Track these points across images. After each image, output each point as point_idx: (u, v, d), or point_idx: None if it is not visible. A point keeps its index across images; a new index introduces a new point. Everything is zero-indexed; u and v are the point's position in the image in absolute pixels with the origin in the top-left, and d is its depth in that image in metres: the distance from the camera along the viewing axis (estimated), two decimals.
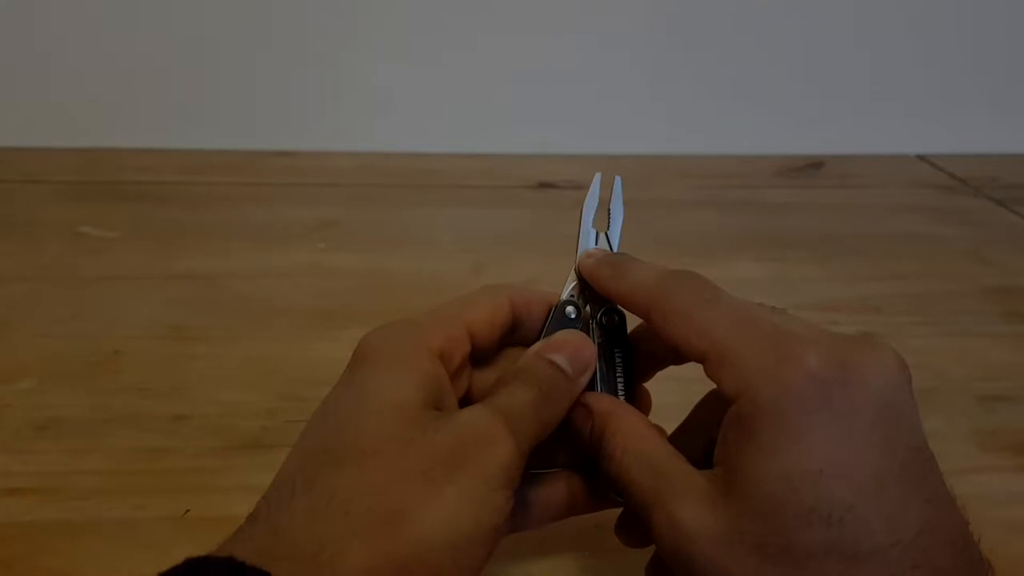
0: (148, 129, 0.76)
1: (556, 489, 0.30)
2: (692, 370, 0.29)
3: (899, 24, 0.82)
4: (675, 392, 0.31)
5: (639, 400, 0.31)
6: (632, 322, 0.31)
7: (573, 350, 0.28)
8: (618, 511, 0.30)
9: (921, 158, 0.85)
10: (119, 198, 0.67)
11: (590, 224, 0.32)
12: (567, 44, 0.78)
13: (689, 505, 0.24)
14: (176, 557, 0.21)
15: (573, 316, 0.30)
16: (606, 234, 0.32)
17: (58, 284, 0.54)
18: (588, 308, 0.31)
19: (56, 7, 0.72)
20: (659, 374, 0.32)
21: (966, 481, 0.25)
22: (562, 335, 0.29)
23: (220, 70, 0.76)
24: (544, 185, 0.74)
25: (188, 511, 0.35)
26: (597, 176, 0.32)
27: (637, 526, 0.28)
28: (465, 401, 0.29)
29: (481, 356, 0.30)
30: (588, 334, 0.30)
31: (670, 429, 0.31)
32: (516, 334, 0.31)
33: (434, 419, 0.25)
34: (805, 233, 0.67)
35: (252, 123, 0.78)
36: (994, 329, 0.53)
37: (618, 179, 0.32)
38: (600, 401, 0.29)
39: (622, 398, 0.30)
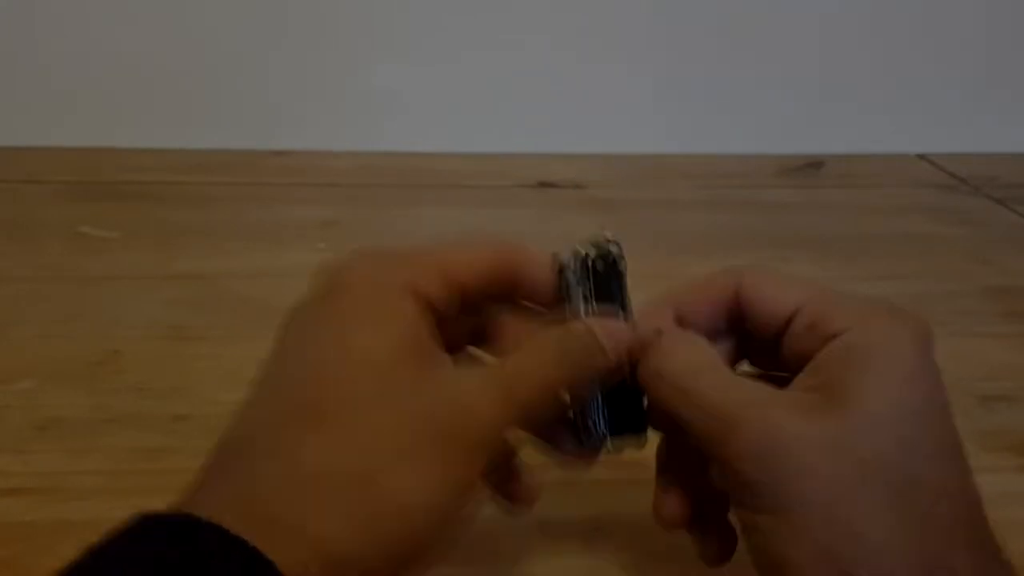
0: (148, 129, 0.76)
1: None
2: None
3: (899, 24, 0.82)
4: None
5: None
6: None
7: (614, 330, 0.27)
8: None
9: (921, 158, 0.85)
10: (119, 198, 0.67)
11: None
12: (567, 44, 0.78)
13: (788, 413, 0.24)
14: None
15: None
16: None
17: (58, 284, 0.54)
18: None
19: (56, 7, 0.72)
20: None
21: None
22: (611, 322, 0.27)
23: (220, 70, 0.76)
24: (544, 185, 0.74)
25: None
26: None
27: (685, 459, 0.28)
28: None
29: (466, 307, 0.28)
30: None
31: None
32: (502, 293, 0.29)
33: (412, 375, 0.24)
34: (805, 233, 0.67)
35: (252, 123, 0.78)
36: (994, 329, 0.53)
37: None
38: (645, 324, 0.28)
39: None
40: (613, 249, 0.28)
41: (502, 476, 0.28)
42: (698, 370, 0.26)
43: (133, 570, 0.20)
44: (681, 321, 0.28)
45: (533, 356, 0.26)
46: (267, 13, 0.74)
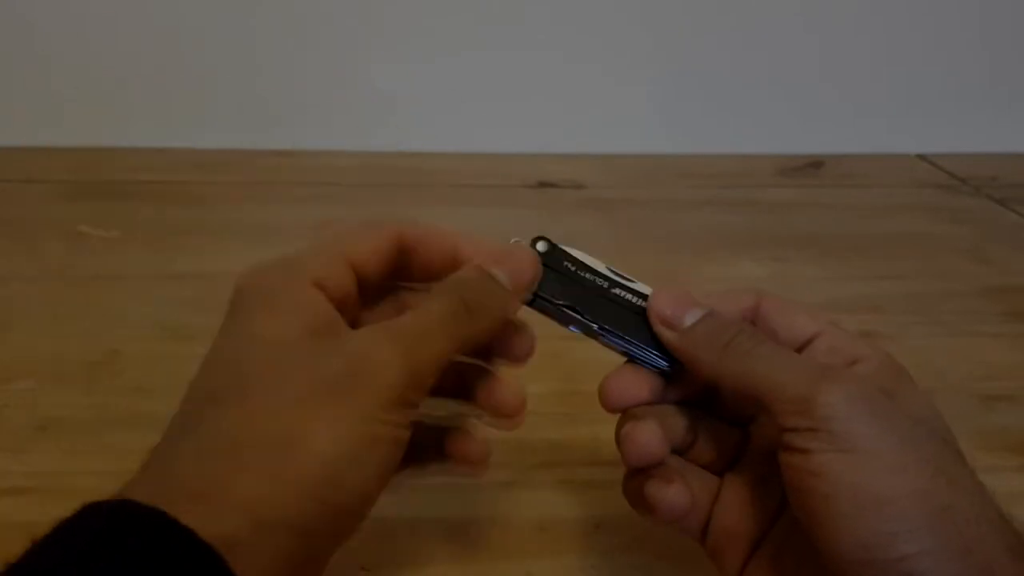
0: (148, 129, 0.76)
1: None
2: None
3: (899, 23, 0.82)
4: None
5: None
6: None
7: (516, 263, 0.28)
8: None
9: (921, 158, 0.85)
10: (119, 198, 0.67)
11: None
12: (567, 43, 0.78)
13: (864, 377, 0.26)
14: None
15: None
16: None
17: (58, 284, 0.54)
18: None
19: (55, 6, 0.72)
20: None
21: None
22: (509, 246, 0.29)
23: (220, 69, 0.76)
24: (544, 185, 0.74)
25: None
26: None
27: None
28: None
29: (367, 293, 0.29)
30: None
31: None
32: (408, 272, 0.30)
33: (318, 345, 0.25)
34: (805, 233, 0.67)
35: (252, 122, 0.78)
36: (994, 329, 0.53)
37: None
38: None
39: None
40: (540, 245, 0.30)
41: (454, 436, 0.30)
42: (762, 339, 0.27)
43: (56, 552, 0.21)
44: None
45: (429, 303, 0.26)
46: (266, 13, 0.74)
